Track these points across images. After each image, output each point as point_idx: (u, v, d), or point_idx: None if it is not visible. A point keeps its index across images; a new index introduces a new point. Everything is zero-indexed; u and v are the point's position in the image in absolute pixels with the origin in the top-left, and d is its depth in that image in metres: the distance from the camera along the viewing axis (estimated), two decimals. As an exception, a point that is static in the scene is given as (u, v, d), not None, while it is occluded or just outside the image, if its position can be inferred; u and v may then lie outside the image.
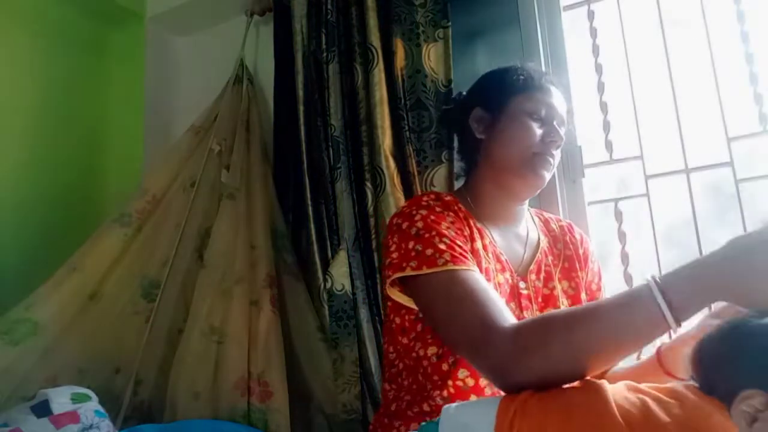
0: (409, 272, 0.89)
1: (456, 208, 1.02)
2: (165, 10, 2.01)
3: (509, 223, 1.09)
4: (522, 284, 1.02)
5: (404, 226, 0.95)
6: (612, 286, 1.39)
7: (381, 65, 1.48)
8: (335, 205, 1.49)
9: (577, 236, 1.15)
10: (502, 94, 1.09)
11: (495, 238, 1.04)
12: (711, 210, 1.34)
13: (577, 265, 1.10)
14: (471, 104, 1.14)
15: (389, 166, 1.43)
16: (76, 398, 1.24)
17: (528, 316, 0.99)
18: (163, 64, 2.05)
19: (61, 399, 1.22)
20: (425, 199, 1.01)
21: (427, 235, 0.92)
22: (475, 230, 1.01)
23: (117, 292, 1.54)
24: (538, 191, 1.06)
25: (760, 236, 0.67)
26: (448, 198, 1.04)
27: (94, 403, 1.27)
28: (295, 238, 1.59)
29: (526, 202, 1.11)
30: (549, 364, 0.71)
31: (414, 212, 0.97)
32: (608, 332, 0.71)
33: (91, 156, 1.98)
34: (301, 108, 1.58)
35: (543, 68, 1.14)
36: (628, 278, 1.39)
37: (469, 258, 0.90)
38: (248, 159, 1.67)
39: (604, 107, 1.48)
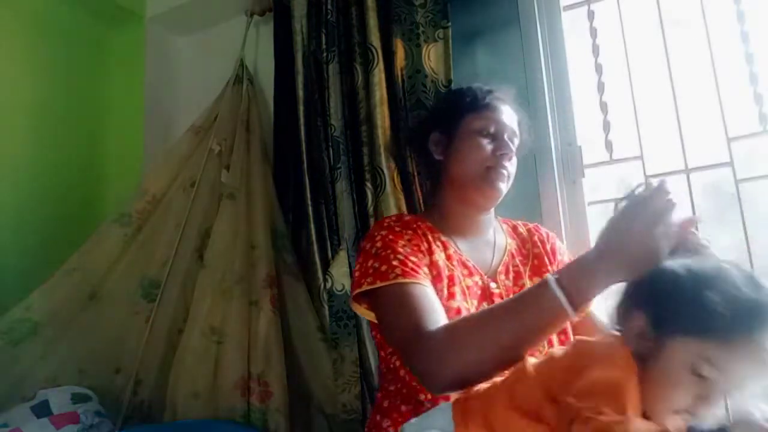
0: (365, 287, 0.99)
1: (415, 226, 1.10)
2: (165, 10, 2.01)
3: (476, 232, 1.17)
4: (493, 285, 1.09)
5: (367, 247, 1.06)
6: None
7: (381, 65, 1.48)
8: (335, 205, 1.49)
9: (544, 234, 1.22)
10: (454, 117, 1.18)
11: (461, 247, 1.13)
12: (711, 210, 1.34)
13: (546, 260, 1.16)
14: (428, 129, 1.23)
15: (389, 166, 1.43)
16: (76, 398, 1.25)
17: None
18: (163, 64, 2.05)
19: (61, 399, 1.22)
20: (387, 221, 1.13)
21: (383, 254, 1.01)
22: (436, 244, 1.09)
23: (117, 292, 1.54)
24: (498, 201, 1.14)
25: (628, 209, 0.79)
26: (408, 218, 1.15)
27: (94, 403, 1.27)
28: (295, 238, 1.58)
29: (491, 211, 1.18)
30: (465, 363, 0.81)
31: (375, 234, 1.08)
32: (517, 327, 0.81)
33: (91, 156, 1.98)
34: (301, 108, 1.58)
35: (488, 87, 1.21)
36: (628, 278, 1.39)
37: (420, 272, 0.98)
38: (248, 159, 1.67)
39: (604, 107, 1.48)
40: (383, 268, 0.98)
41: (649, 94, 1.42)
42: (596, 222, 1.43)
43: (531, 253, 1.17)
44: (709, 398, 0.69)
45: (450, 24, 1.47)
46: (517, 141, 1.17)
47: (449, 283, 1.03)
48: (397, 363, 1.05)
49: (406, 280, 0.95)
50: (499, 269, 1.12)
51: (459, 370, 0.81)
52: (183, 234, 1.60)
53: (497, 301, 1.06)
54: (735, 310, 0.67)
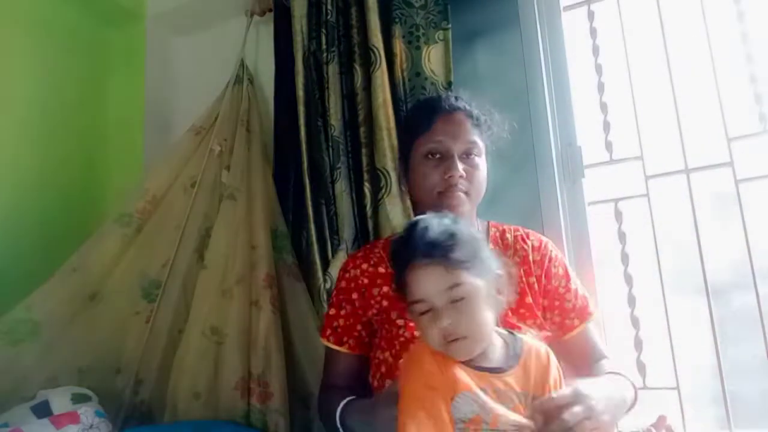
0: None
1: (376, 252, 1.18)
2: (165, 10, 2.01)
3: None
4: None
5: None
6: (612, 286, 1.40)
7: (383, 67, 1.47)
8: (335, 205, 1.49)
9: (534, 243, 1.16)
10: (405, 144, 1.20)
11: None
12: (711, 210, 1.34)
13: (525, 270, 1.12)
14: (399, 158, 1.26)
15: (396, 167, 1.43)
16: (76, 398, 1.24)
17: None
18: (163, 64, 2.05)
19: (61, 399, 1.22)
20: (346, 262, 1.22)
21: (329, 310, 1.19)
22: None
23: (117, 292, 1.54)
24: (466, 212, 1.12)
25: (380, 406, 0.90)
26: (361, 253, 1.21)
27: (94, 403, 1.27)
28: (295, 238, 1.58)
29: (468, 216, 1.13)
30: (322, 421, 1.12)
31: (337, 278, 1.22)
32: (328, 410, 1.03)
33: (92, 156, 1.98)
34: (301, 108, 1.58)
35: (438, 97, 1.21)
36: (628, 278, 1.40)
37: (343, 337, 1.13)
38: (248, 159, 1.67)
39: (604, 107, 1.48)
40: (324, 325, 1.18)
41: (649, 94, 1.42)
42: (596, 222, 1.44)
43: (511, 260, 1.11)
44: (437, 318, 0.82)
45: (450, 25, 1.47)
46: (479, 146, 1.13)
47: (403, 308, 1.05)
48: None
49: (329, 345, 1.15)
50: None
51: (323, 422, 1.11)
52: (183, 234, 1.60)
53: None
54: (394, 254, 0.90)
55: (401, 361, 0.92)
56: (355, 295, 1.14)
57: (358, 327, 1.13)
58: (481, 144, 1.14)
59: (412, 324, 1.02)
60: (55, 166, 1.85)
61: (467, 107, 1.16)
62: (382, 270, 1.14)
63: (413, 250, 0.85)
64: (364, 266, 1.16)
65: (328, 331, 1.16)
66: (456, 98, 1.18)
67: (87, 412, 1.22)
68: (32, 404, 1.21)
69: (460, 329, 0.81)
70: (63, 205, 1.85)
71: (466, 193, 1.11)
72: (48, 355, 1.42)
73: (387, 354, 1.06)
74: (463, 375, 0.80)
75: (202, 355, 1.41)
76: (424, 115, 1.16)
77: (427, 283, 0.83)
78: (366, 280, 1.14)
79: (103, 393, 1.34)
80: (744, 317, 1.26)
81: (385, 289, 1.11)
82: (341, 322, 1.15)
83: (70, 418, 1.19)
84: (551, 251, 1.16)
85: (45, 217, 1.78)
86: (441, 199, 1.10)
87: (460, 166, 1.10)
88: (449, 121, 1.13)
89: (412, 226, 0.87)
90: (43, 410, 1.19)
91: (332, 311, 1.17)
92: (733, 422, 1.23)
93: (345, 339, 1.14)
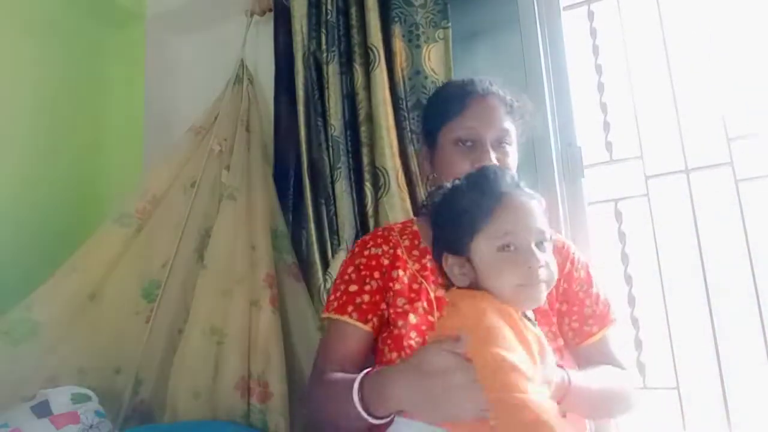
0: (323, 314, 1.10)
1: (391, 237, 1.10)
2: (165, 10, 2.01)
3: None
4: None
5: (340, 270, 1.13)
6: (612, 287, 1.40)
7: (383, 66, 1.47)
8: (335, 205, 1.49)
9: (556, 244, 1.07)
10: (432, 129, 1.13)
11: None
12: (711, 210, 1.34)
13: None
14: (423, 141, 1.20)
15: (394, 166, 1.43)
16: (76, 398, 1.24)
17: None
18: (163, 64, 2.05)
19: (61, 399, 1.22)
20: (363, 239, 1.14)
21: (337, 282, 1.11)
22: (411, 254, 1.08)
23: (117, 292, 1.54)
24: None
25: (411, 365, 0.86)
26: (386, 230, 1.14)
27: (94, 403, 1.27)
28: (295, 238, 1.58)
29: None
30: (312, 416, 1.09)
31: (348, 257, 1.14)
32: (339, 413, 0.92)
33: (91, 156, 1.98)
34: (301, 108, 1.58)
35: (469, 81, 1.12)
36: (628, 278, 1.40)
37: (350, 307, 1.04)
38: (248, 159, 1.66)
39: (604, 107, 1.48)
40: (331, 298, 1.09)
41: (649, 94, 1.42)
42: (596, 222, 1.44)
43: None
44: (523, 258, 0.82)
45: (450, 24, 1.47)
46: (512, 134, 1.08)
47: (412, 299, 1.01)
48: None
49: (334, 316, 1.05)
50: None
51: (312, 417, 1.10)
52: (183, 234, 1.60)
53: None
54: (482, 192, 0.86)
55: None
56: (377, 274, 1.06)
57: (383, 306, 1.03)
58: (513, 132, 1.09)
59: (420, 326, 0.98)
60: (54, 167, 1.85)
61: (501, 92, 1.10)
62: (399, 253, 1.07)
63: (508, 184, 0.86)
64: (385, 247, 1.08)
65: (350, 308, 1.03)
66: (490, 82, 1.11)
67: (87, 412, 1.22)
68: (32, 404, 1.21)
69: (549, 271, 0.84)
70: (63, 205, 1.85)
71: None
72: (48, 355, 1.41)
73: (394, 355, 0.99)
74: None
75: (202, 355, 1.41)
76: (455, 97, 1.09)
77: (528, 216, 0.84)
78: (386, 261, 1.06)
79: (103, 393, 1.33)
80: (744, 317, 1.26)
81: (401, 273, 1.04)
82: (366, 298, 1.04)
83: (70, 418, 1.19)
84: (573, 254, 1.11)
85: (45, 216, 1.78)
86: None
87: (493, 156, 1.04)
88: (482, 106, 1.07)
89: (483, 172, 0.89)
90: (43, 410, 1.19)
91: (353, 287, 1.06)
92: (733, 422, 1.23)
93: (370, 317, 1.03)
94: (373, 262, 1.07)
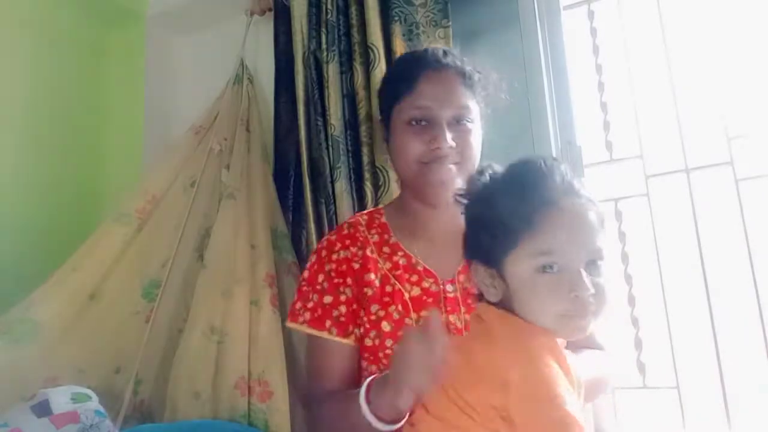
0: (287, 322, 1.06)
1: (359, 235, 1.03)
2: (165, 10, 2.01)
3: (436, 229, 1.03)
4: (450, 287, 0.99)
5: (303, 272, 1.07)
6: (612, 286, 1.40)
7: (383, 65, 1.47)
8: (335, 204, 1.49)
9: None
10: (386, 106, 1.04)
11: (415, 249, 1.02)
12: (711, 209, 1.34)
13: None
14: (381, 125, 1.11)
15: (390, 162, 1.43)
16: (76, 398, 1.24)
17: (453, 320, 0.97)
18: (163, 64, 2.05)
19: (61, 399, 1.22)
20: (325, 239, 1.07)
21: (303, 288, 1.05)
22: (382, 251, 1.01)
23: (117, 292, 1.54)
24: (449, 192, 0.91)
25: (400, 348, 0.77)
26: (353, 226, 1.06)
27: (94, 403, 1.27)
28: (295, 237, 1.59)
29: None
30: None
31: (311, 257, 1.07)
32: (342, 421, 0.87)
33: (91, 156, 1.98)
34: (301, 108, 1.58)
35: (427, 50, 1.00)
36: (628, 278, 1.39)
37: (327, 322, 0.98)
38: (248, 159, 1.67)
39: (604, 107, 1.48)
40: (297, 305, 1.03)
41: (649, 93, 1.42)
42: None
43: None
44: (569, 284, 0.67)
45: (450, 24, 1.46)
46: (472, 110, 0.98)
47: (386, 303, 0.96)
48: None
49: (313, 332, 0.99)
50: (459, 268, 0.99)
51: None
52: (183, 234, 1.60)
53: (450, 307, 0.97)
54: (522, 196, 0.69)
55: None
56: (350, 280, 0.99)
57: (361, 314, 0.97)
58: (474, 108, 0.98)
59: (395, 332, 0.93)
60: (54, 166, 1.85)
61: (458, 63, 1.00)
62: (369, 253, 1.00)
63: (557, 186, 0.69)
64: (353, 249, 1.01)
65: (328, 322, 0.97)
66: (444, 52, 1.01)
67: (87, 412, 1.22)
68: (32, 404, 1.21)
69: (602, 300, 0.67)
70: (63, 204, 1.85)
71: (457, 164, 0.96)
72: (48, 355, 1.41)
73: (373, 368, 0.95)
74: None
75: (202, 354, 1.41)
76: (405, 73, 0.99)
77: (579, 230, 0.67)
78: (357, 266, 1.00)
79: (103, 393, 1.33)
80: (744, 317, 1.26)
81: (372, 276, 0.97)
82: (343, 309, 0.97)
83: (70, 418, 1.19)
84: None
85: (45, 216, 1.78)
86: (425, 172, 0.96)
87: (449, 136, 0.95)
88: (436, 81, 0.97)
89: (527, 167, 0.71)
90: (43, 410, 1.19)
91: (328, 298, 0.98)
92: (732, 422, 1.23)
93: (350, 329, 0.97)
94: (344, 267, 1.01)
